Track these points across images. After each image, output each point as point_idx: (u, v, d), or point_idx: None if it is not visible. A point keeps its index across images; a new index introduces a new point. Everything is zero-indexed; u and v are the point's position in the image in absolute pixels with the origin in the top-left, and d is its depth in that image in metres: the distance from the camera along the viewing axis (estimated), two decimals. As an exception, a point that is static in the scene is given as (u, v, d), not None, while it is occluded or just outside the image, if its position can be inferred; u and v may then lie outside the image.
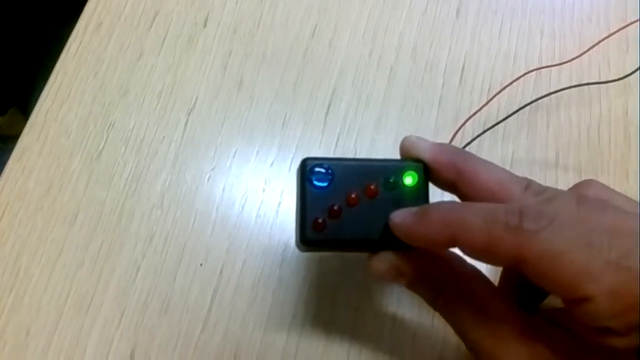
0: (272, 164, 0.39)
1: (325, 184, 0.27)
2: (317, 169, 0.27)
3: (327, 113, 0.40)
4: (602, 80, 0.41)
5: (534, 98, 0.40)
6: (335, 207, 0.26)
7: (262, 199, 0.38)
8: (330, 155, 0.39)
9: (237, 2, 0.44)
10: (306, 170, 0.27)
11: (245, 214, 0.37)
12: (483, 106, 0.36)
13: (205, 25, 0.43)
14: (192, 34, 0.43)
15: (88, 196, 0.37)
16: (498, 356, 0.24)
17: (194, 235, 0.37)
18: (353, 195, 0.26)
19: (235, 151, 0.39)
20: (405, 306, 0.35)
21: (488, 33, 0.44)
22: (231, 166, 0.39)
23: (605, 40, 0.41)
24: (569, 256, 0.21)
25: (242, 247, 0.36)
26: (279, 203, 0.38)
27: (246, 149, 0.39)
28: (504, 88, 0.37)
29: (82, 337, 0.34)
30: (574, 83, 0.41)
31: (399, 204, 0.26)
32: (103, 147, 0.39)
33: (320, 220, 0.26)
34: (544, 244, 0.21)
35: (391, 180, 0.27)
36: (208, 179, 0.38)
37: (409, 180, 0.27)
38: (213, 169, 0.38)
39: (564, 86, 0.39)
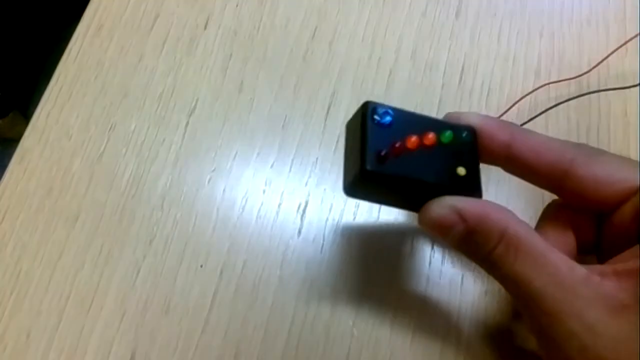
0: (272, 165, 0.39)
1: (387, 122, 0.27)
2: (379, 110, 0.27)
3: (327, 115, 0.40)
4: (604, 86, 0.41)
5: (533, 103, 0.41)
6: (397, 145, 0.26)
7: (263, 200, 0.38)
8: (331, 155, 0.39)
9: (237, 5, 0.44)
10: (368, 110, 0.27)
11: (245, 215, 0.37)
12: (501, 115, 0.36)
13: (205, 27, 0.43)
14: (193, 36, 0.43)
15: (89, 198, 0.37)
16: (565, 301, 0.24)
17: (194, 237, 0.37)
18: (413, 139, 0.27)
19: (236, 153, 0.39)
20: (405, 307, 0.35)
21: (487, 35, 0.44)
22: (231, 168, 0.39)
23: (605, 45, 0.41)
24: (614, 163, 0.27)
25: (243, 248, 0.36)
26: (279, 204, 0.38)
27: (246, 150, 0.39)
28: (519, 100, 0.38)
29: (82, 339, 0.34)
30: (574, 89, 0.41)
31: (453, 156, 0.27)
32: (104, 149, 0.39)
33: (382, 154, 0.26)
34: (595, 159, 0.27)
35: (447, 133, 0.27)
36: (208, 181, 0.38)
37: (464, 135, 0.28)
38: (213, 170, 0.39)
39: (564, 92, 0.39)
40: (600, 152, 0.28)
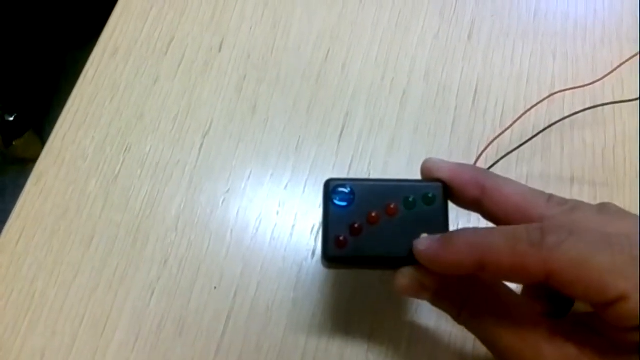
0: (286, 186, 0.39)
1: (346, 203, 0.28)
2: (339, 189, 0.28)
3: (340, 136, 0.41)
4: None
5: (547, 120, 0.40)
6: (356, 225, 0.27)
7: (276, 221, 0.38)
8: (344, 176, 0.39)
9: (251, 28, 0.45)
10: (329, 190, 0.28)
11: (259, 236, 0.37)
12: (507, 128, 0.36)
13: (220, 50, 0.44)
14: (207, 59, 0.43)
15: (104, 219, 0.38)
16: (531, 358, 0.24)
17: (208, 258, 0.37)
18: (374, 214, 0.27)
19: (250, 174, 0.39)
20: (421, 327, 0.35)
21: (500, 56, 0.44)
22: (245, 189, 0.39)
23: (618, 63, 0.41)
24: (594, 260, 0.21)
25: (257, 270, 0.36)
26: (293, 225, 0.38)
27: (260, 171, 0.39)
28: (530, 109, 0.37)
29: (96, 360, 0.34)
30: (588, 105, 0.41)
31: (418, 222, 0.27)
32: (119, 171, 0.39)
33: (342, 238, 0.27)
34: (568, 254, 0.22)
35: (411, 199, 0.28)
36: (222, 202, 0.38)
37: (428, 199, 0.28)
38: (227, 191, 0.39)
39: (577, 109, 0.39)
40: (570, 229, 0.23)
